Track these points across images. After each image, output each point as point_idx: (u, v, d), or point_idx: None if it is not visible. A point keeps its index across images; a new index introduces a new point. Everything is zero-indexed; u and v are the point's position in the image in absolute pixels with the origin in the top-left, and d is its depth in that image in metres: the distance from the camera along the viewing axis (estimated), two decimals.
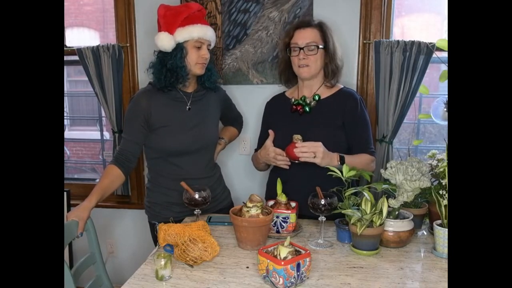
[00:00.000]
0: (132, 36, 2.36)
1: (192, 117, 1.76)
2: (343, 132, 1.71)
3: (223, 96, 1.95)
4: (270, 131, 1.70)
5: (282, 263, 1.14)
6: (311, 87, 1.78)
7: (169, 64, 1.68)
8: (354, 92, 1.80)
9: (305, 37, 1.69)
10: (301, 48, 1.69)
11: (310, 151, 1.54)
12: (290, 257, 1.17)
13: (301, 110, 1.75)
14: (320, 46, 1.69)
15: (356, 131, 1.72)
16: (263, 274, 1.20)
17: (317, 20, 1.77)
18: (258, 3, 2.19)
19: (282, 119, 1.79)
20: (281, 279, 1.14)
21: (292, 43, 1.72)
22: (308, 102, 1.75)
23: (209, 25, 1.77)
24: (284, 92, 1.89)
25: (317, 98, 1.75)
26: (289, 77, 1.84)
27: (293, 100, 1.79)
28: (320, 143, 1.56)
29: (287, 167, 1.66)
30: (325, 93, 1.77)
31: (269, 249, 1.23)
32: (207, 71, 1.78)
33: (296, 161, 1.59)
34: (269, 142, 1.68)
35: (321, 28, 1.72)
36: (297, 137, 1.57)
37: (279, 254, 1.18)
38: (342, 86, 1.80)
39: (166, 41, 1.67)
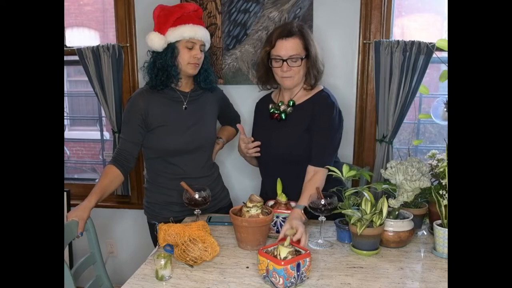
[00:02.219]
0: (132, 36, 2.36)
1: (189, 117, 1.76)
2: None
3: (221, 96, 1.96)
4: (239, 125, 1.78)
5: (282, 263, 1.14)
6: (292, 91, 1.74)
7: (159, 64, 1.69)
8: (330, 96, 1.72)
9: (288, 48, 1.64)
10: (284, 60, 1.64)
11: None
12: (290, 257, 1.17)
13: (278, 117, 1.74)
14: (303, 57, 1.65)
15: (313, 137, 1.65)
16: (263, 274, 1.20)
17: (297, 25, 1.70)
18: (258, 3, 2.19)
19: (264, 122, 1.80)
20: (281, 279, 1.14)
21: (274, 54, 1.66)
22: (282, 109, 1.72)
23: (204, 25, 1.77)
24: (271, 93, 1.87)
25: (291, 104, 1.72)
26: (267, 81, 1.80)
27: (270, 107, 1.77)
28: (300, 223, 1.40)
29: (258, 154, 1.73)
30: (302, 97, 1.73)
31: (269, 249, 1.23)
32: (203, 71, 1.78)
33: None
34: (241, 135, 1.75)
35: (303, 36, 1.66)
36: (289, 233, 1.32)
37: (279, 254, 1.18)
38: (322, 88, 1.75)
39: (155, 41, 1.68)
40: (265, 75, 1.77)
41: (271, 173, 1.74)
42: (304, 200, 1.51)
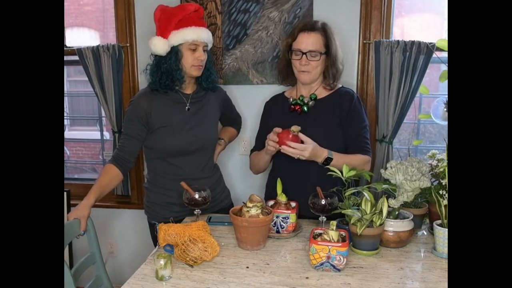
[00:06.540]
0: (132, 36, 2.36)
1: (192, 118, 1.76)
2: (341, 131, 1.71)
3: (223, 97, 1.95)
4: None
5: (351, 243, 1.31)
6: (310, 88, 1.78)
7: (164, 68, 1.69)
8: (351, 91, 1.80)
9: (308, 42, 1.68)
10: (303, 53, 1.68)
11: (296, 152, 1.54)
12: (341, 239, 1.26)
13: (299, 110, 1.75)
14: (322, 52, 1.69)
15: (350, 129, 1.71)
16: (319, 262, 1.25)
17: (321, 22, 1.74)
18: (258, 3, 2.19)
19: (281, 119, 1.78)
20: (345, 259, 1.24)
21: (294, 46, 1.71)
22: (306, 102, 1.75)
23: (206, 25, 1.77)
24: (283, 92, 1.89)
25: (313, 97, 1.75)
26: (287, 76, 1.83)
27: (291, 100, 1.79)
28: (310, 147, 1.55)
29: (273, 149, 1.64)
30: (322, 92, 1.77)
31: (317, 238, 1.29)
32: (205, 71, 1.78)
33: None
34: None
35: (325, 33, 1.71)
36: (294, 128, 1.56)
37: (333, 238, 1.25)
38: (340, 86, 1.81)
39: (159, 46, 1.68)
40: (286, 68, 1.81)
41: (287, 169, 1.73)
42: (337, 155, 1.61)
